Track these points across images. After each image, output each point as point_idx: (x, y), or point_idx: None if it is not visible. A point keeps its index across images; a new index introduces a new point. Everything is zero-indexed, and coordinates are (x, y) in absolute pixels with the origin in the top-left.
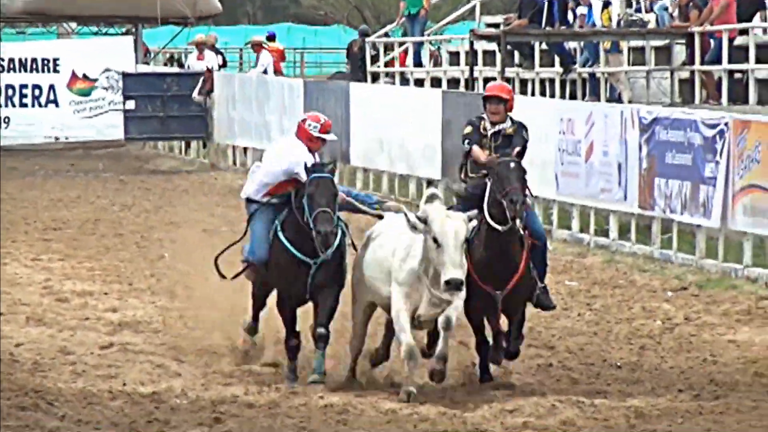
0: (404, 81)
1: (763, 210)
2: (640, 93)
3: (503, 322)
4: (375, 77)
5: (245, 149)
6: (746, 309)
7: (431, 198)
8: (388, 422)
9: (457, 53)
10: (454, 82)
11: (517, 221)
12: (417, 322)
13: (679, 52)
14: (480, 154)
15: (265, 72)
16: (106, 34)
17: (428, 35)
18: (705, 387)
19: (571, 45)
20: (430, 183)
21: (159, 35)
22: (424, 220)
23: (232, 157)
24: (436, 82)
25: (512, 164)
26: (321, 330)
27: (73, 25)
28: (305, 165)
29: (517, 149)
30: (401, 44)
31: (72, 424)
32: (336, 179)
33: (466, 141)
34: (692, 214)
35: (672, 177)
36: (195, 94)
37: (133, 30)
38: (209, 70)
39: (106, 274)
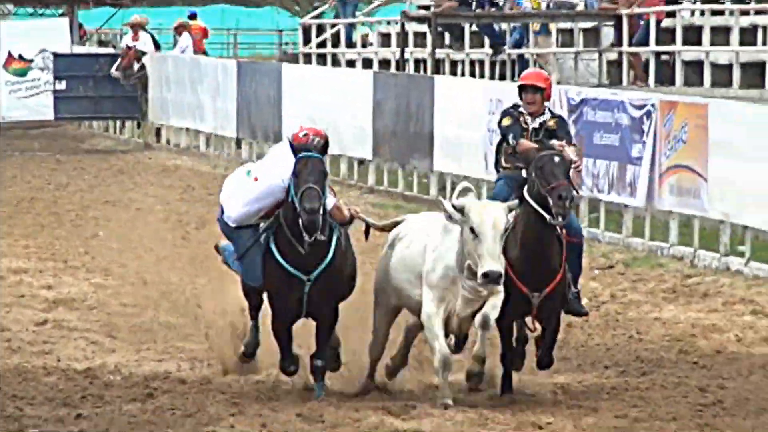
0: (336, 62)
1: (688, 190)
2: (568, 74)
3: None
4: (307, 58)
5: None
6: (672, 287)
7: (464, 192)
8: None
9: (388, 35)
10: (385, 63)
11: (560, 219)
12: (451, 327)
13: (607, 34)
14: (530, 146)
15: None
16: (42, 15)
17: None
18: (631, 364)
19: (501, 26)
20: (361, 163)
21: (96, 16)
22: (461, 210)
23: (166, 136)
24: (367, 64)
25: (557, 158)
26: (318, 362)
27: (10, 6)
28: (292, 146)
29: (564, 142)
30: (333, 26)
31: (7, 400)
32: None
33: (511, 135)
34: (619, 194)
35: (599, 157)
36: (113, 70)
37: (69, 11)
38: (128, 48)
39: (41, 252)
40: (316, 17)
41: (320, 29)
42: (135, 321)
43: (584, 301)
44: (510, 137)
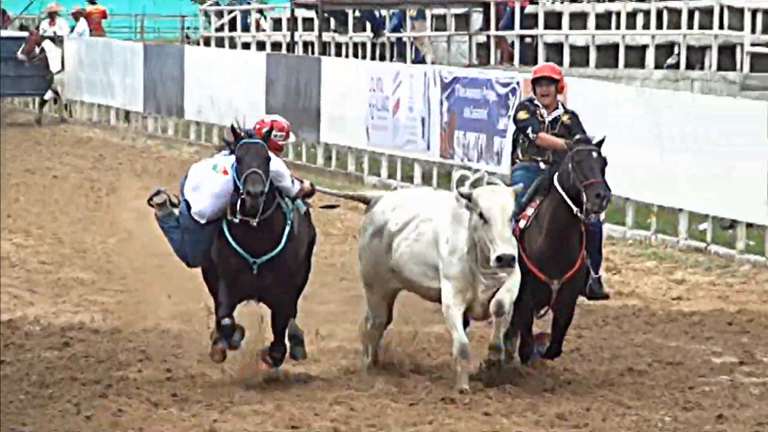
0: (233, 45)
1: None
2: (441, 55)
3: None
4: (207, 41)
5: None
6: None
7: (461, 181)
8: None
9: (280, 20)
10: (277, 46)
11: (592, 216)
12: (476, 313)
13: (477, 19)
14: (553, 139)
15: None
16: None
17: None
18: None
19: (381, 12)
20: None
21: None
22: (468, 197)
23: (80, 112)
24: (260, 46)
25: (595, 154)
26: (276, 354)
27: None
28: (239, 137)
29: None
30: (230, 12)
31: None
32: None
33: (529, 128)
34: (487, 162)
35: (469, 130)
36: (18, 53)
37: None
38: (31, 33)
39: None
40: (215, 4)
41: (219, 15)
42: (52, 277)
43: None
44: (529, 130)
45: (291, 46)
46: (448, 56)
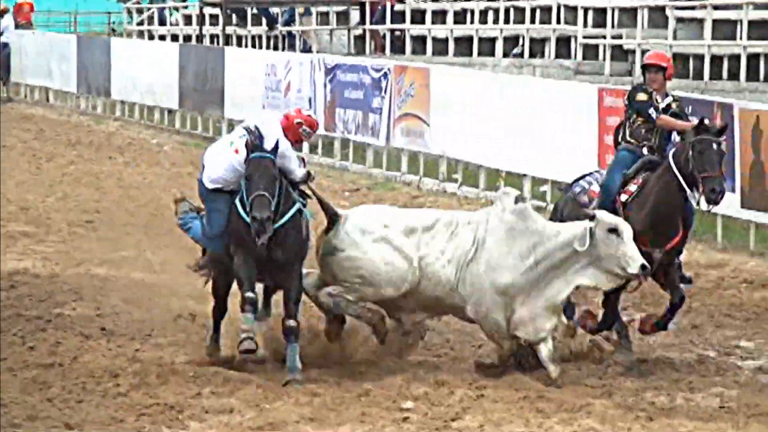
0: (151, 37)
1: (415, 131)
2: (325, 46)
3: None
4: (129, 34)
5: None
6: (403, 203)
7: (518, 198)
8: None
9: (190, 16)
10: (188, 38)
11: (711, 206)
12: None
13: (354, 15)
14: (675, 121)
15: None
16: None
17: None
18: None
19: (274, 10)
20: (170, 112)
21: None
22: (592, 217)
23: (24, 92)
24: (174, 38)
25: (716, 145)
26: (290, 322)
27: None
28: (249, 149)
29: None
30: (149, 9)
31: None
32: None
33: (651, 108)
34: (363, 135)
35: (349, 107)
36: None
37: None
38: None
39: None
40: (137, 2)
41: (139, 12)
42: (2, 231)
43: None
44: (651, 110)
45: (200, 38)
46: (331, 47)
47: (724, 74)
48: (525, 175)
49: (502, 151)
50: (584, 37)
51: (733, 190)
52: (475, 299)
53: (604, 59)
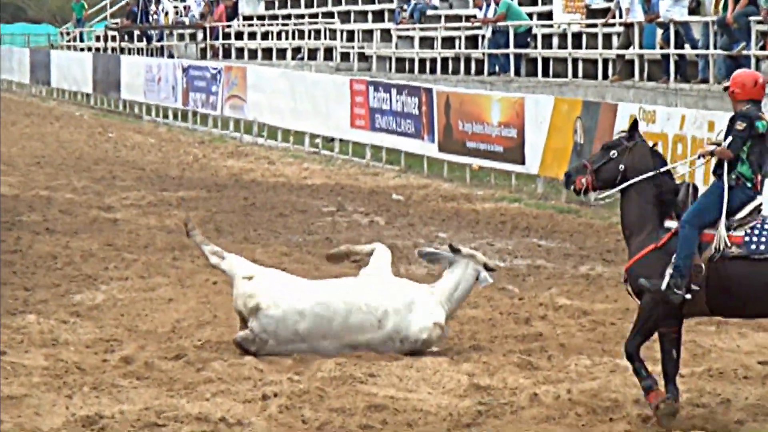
0: (77, 49)
1: (237, 106)
2: (182, 54)
3: None
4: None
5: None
6: (230, 152)
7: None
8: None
9: (99, 36)
10: (97, 50)
11: None
12: None
13: (200, 34)
14: None
15: None
16: None
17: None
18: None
19: (151, 32)
20: (88, 95)
21: None
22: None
23: None
24: (89, 49)
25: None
26: None
27: None
28: None
29: None
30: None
31: None
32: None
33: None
34: (206, 108)
35: (198, 92)
36: None
37: None
38: None
39: None
40: (66, 30)
41: (68, 34)
42: None
43: None
44: None
45: (105, 50)
46: (186, 54)
47: (438, 70)
48: (306, 132)
49: (290, 117)
50: (341, 48)
51: (432, 141)
52: None
53: (353, 61)
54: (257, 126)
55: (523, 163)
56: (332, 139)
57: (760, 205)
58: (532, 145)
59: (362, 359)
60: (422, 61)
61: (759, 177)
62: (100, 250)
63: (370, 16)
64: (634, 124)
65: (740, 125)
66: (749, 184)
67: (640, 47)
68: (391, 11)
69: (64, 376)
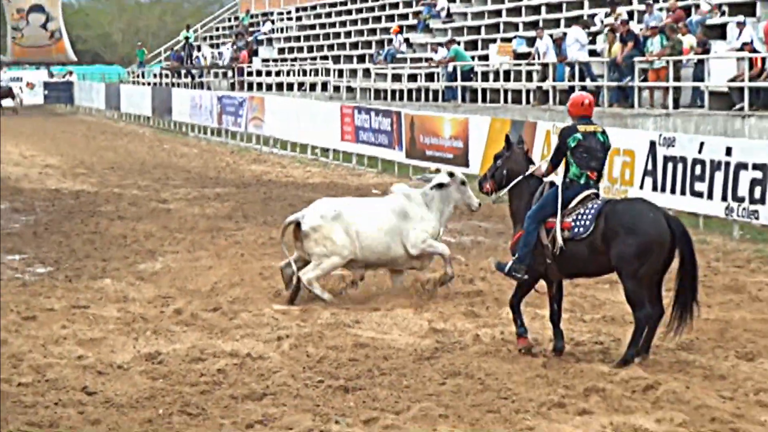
0: (138, 83)
1: (258, 125)
2: (217, 87)
3: None
4: (128, 82)
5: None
6: (252, 159)
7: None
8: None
9: (155, 74)
10: (155, 84)
11: None
12: None
13: (230, 73)
14: None
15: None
16: None
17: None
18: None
19: (194, 71)
20: (148, 118)
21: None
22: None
23: (82, 109)
24: (148, 84)
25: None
26: None
27: None
28: None
29: None
30: (138, 71)
31: None
32: None
33: None
34: (235, 127)
35: (228, 115)
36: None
37: None
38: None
39: None
40: (131, 69)
41: (133, 72)
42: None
43: None
44: None
45: (160, 84)
46: (220, 87)
47: (405, 98)
48: (308, 144)
49: (296, 134)
50: (334, 82)
51: (401, 150)
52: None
53: (342, 92)
54: (272, 140)
55: (467, 166)
56: (327, 150)
57: (593, 193)
58: (474, 152)
59: (350, 310)
60: (393, 92)
61: (592, 172)
62: (158, 231)
63: (355, 59)
64: (506, 139)
65: (557, 142)
66: (581, 181)
67: (553, 81)
68: (371, 55)
69: (132, 324)
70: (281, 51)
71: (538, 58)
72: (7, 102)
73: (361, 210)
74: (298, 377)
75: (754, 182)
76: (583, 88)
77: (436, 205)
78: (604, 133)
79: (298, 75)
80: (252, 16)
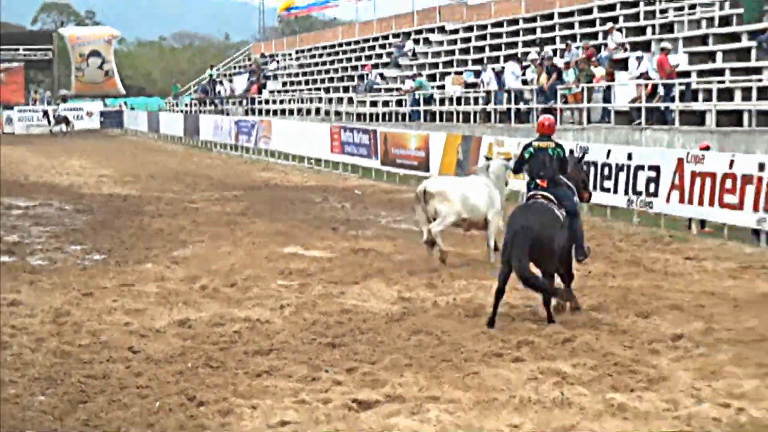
0: (172, 111)
1: (267, 141)
2: (235, 113)
3: None
4: (165, 110)
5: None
6: (263, 167)
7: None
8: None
9: (187, 103)
10: (186, 112)
11: None
12: None
13: (245, 102)
14: None
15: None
16: None
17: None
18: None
19: (216, 100)
20: (180, 138)
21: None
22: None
23: (131, 131)
24: (181, 111)
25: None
26: None
27: None
28: None
29: None
30: (173, 101)
31: None
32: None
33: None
34: (249, 143)
35: (243, 134)
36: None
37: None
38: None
39: None
40: (167, 100)
41: (169, 103)
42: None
43: None
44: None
45: (190, 111)
46: (236, 113)
47: (380, 119)
48: (305, 156)
49: (296, 148)
50: (325, 108)
51: (377, 159)
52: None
53: (332, 115)
54: (277, 153)
55: (428, 170)
56: (320, 160)
57: (539, 194)
58: (433, 160)
59: (338, 284)
60: (371, 115)
61: (542, 180)
62: (188, 225)
63: (341, 90)
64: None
65: (519, 152)
66: (531, 186)
67: (494, 104)
68: (354, 86)
69: (167, 297)
70: (285, 84)
71: (483, 87)
72: (62, 127)
73: (467, 183)
74: (297, 337)
75: (649, 180)
76: (518, 110)
77: (503, 181)
78: (556, 147)
79: (298, 102)
80: (262, 56)
